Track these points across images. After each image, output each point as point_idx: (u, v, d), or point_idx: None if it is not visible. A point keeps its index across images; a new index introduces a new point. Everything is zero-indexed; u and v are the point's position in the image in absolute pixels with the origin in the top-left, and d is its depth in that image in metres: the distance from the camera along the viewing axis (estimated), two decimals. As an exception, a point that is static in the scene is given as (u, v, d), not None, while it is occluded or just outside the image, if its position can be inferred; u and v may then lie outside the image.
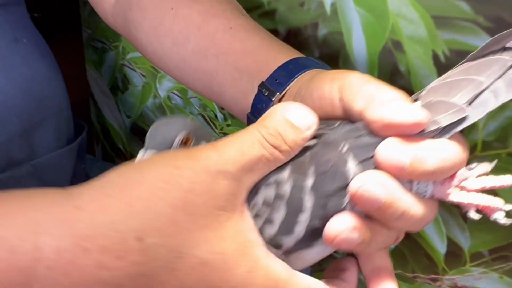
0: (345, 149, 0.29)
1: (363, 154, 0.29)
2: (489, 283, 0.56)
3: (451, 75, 0.29)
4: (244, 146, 0.28)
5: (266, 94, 0.39)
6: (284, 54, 0.41)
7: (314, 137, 0.30)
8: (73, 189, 0.26)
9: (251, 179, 0.28)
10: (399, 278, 0.63)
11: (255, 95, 0.40)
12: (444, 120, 0.28)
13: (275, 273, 0.28)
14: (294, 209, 0.29)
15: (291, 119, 0.29)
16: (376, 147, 0.29)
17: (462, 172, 0.29)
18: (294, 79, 0.39)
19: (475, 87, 0.28)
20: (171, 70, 0.47)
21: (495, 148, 0.51)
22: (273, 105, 0.39)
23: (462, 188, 0.29)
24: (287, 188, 0.29)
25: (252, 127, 0.29)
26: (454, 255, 0.58)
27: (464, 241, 0.57)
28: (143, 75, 0.78)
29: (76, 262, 0.24)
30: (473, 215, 0.29)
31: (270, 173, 0.29)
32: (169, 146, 0.31)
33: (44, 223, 0.24)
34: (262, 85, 0.40)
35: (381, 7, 0.49)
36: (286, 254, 0.29)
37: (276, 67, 0.40)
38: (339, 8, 0.52)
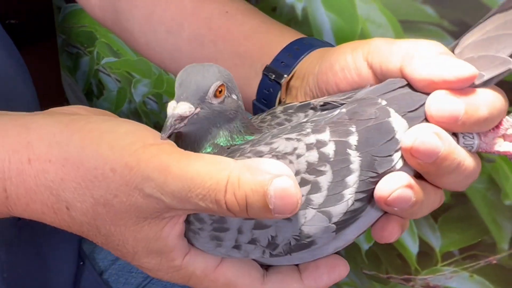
0: (384, 103, 0.29)
1: (404, 107, 0.28)
2: (460, 282, 0.57)
3: (488, 30, 0.29)
4: (196, 189, 0.26)
5: (272, 77, 0.38)
6: (286, 35, 0.40)
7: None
8: (31, 135, 0.30)
9: (192, 210, 0.28)
10: (373, 279, 0.63)
11: (260, 80, 0.39)
12: (489, 73, 0.29)
13: (190, 272, 0.30)
14: (341, 171, 0.28)
15: (271, 198, 0.26)
16: (416, 99, 0.28)
17: (507, 120, 0.29)
18: (301, 59, 0.37)
19: None
20: (165, 61, 0.45)
21: (462, 149, 0.52)
22: (280, 89, 0.37)
23: (505, 139, 0.30)
24: (330, 149, 0.28)
25: (226, 168, 0.27)
26: (426, 255, 0.59)
27: (435, 241, 0.58)
28: (118, 80, 0.78)
29: (29, 205, 0.30)
30: None
31: (306, 132, 0.28)
32: (204, 96, 0.29)
33: (5, 171, 0.29)
34: (267, 69, 0.38)
35: (351, 12, 0.50)
36: (337, 230, 0.28)
37: (280, 50, 0.38)
38: (310, 12, 0.53)
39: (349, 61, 0.31)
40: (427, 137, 0.27)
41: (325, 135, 0.28)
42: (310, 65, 0.36)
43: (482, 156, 0.52)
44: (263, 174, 0.26)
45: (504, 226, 0.53)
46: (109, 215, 0.28)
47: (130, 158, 0.27)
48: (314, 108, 0.31)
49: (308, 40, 0.39)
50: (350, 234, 0.30)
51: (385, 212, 0.30)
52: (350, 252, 0.65)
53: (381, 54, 0.30)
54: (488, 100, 0.28)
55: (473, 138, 0.30)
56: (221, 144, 0.30)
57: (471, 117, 0.28)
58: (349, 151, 0.28)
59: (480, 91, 0.29)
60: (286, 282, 0.30)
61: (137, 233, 0.29)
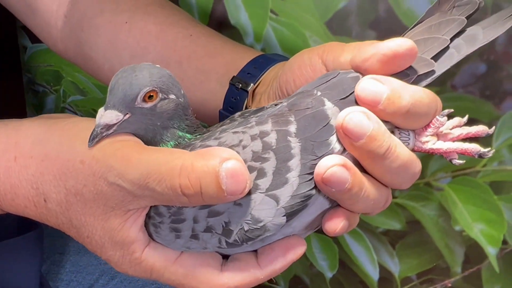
0: (318, 93, 0.31)
1: (336, 95, 0.30)
2: (419, 306, 0.59)
3: (416, 33, 0.32)
4: (153, 175, 0.29)
5: (239, 86, 0.40)
6: (250, 53, 0.43)
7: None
8: (19, 136, 0.33)
9: (151, 197, 0.30)
10: (338, 306, 0.65)
11: (227, 90, 0.41)
12: (414, 71, 0.31)
13: (150, 265, 0.32)
14: (283, 156, 0.30)
15: (222, 178, 0.28)
16: (347, 88, 0.30)
17: (437, 119, 0.31)
18: (266, 70, 0.40)
19: (440, 44, 0.31)
20: None
21: (414, 179, 0.55)
22: (247, 96, 0.40)
23: (439, 138, 0.31)
24: (272, 138, 0.30)
25: (180, 156, 0.29)
26: (386, 281, 0.62)
27: (394, 267, 0.61)
28: (84, 118, 0.79)
29: (13, 200, 0.33)
30: (457, 162, 0.31)
31: (251, 125, 0.30)
32: (132, 103, 0.30)
33: None
34: (234, 79, 0.41)
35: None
36: (287, 216, 0.29)
37: (245, 64, 0.41)
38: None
39: (305, 59, 0.34)
40: (355, 115, 0.29)
41: (267, 126, 0.30)
42: (275, 73, 0.39)
43: (431, 184, 0.55)
44: (214, 158, 0.28)
45: (456, 251, 0.56)
46: (79, 205, 0.31)
47: (97, 151, 0.30)
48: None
49: (272, 55, 0.42)
50: (301, 222, 0.31)
51: (337, 206, 0.31)
52: (314, 281, 0.67)
53: (334, 51, 0.33)
54: (415, 93, 0.30)
55: (408, 135, 0.31)
56: (171, 142, 0.31)
57: (393, 104, 0.29)
58: (289, 138, 0.30)
59: (410, 85, 0.30)
60: (244, 268, 0.31)
61: (105, 222, 0.31)
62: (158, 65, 0.31)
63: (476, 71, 0.47)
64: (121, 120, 0.30)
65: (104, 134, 0.30)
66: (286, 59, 0.40)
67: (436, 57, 0.31)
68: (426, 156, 0.54)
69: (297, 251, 0.31)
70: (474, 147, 0.31)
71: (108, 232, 0.31)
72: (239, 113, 0.34)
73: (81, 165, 0.30)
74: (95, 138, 0.30)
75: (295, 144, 0.30)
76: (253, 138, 0.30)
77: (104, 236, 0.31)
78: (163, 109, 0.31)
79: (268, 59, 0.41)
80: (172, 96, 0.31)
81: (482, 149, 0.31)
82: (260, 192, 0.30)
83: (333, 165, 0.29)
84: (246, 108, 0.41)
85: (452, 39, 0.31)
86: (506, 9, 0.32)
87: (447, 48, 0.31)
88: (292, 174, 0.30)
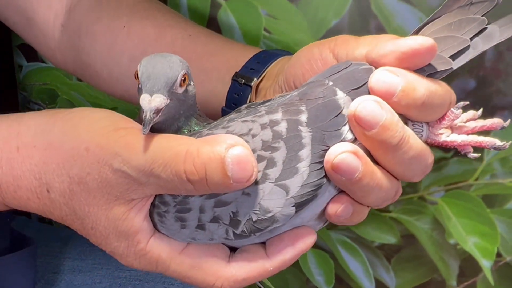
0: (330, 83, 0.30)
1: (348, 85, 0.30)
2: (415, 320, 0.59)
3: (436, 30, 0.32)
4: (158, 161, 0.28)
5: (242, 82, 0.39)
6: (250, 50, 0.42)
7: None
8: (21, 127, 0.32)
9: (156, 184, 0.29)
10: (334, 321, 0.65)
11: (230, 87, 0.40)
12: (431, 68, 0.30)
13: (156, 256, 0.31)
14: (294, 146, 0.29)
15: (228, 164, 0.28)
16: (359, 78, 0.30)
17: (451, 111, 0.31)
18: (269, 64, 0.39)
19: (460, 44, 0.31)
20: (129, 90, 0.46)
21: (408, 193, 0.56)
22: (251, 91, 0.39)
23: (453, 131, 0.31)
24: (283, 127, 0.29)
25: (186, 142, 0.28)
26: (383, 295, 0.62)
27: (390, 281, 0.61)
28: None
29: (16, 192, 0.32)
30: (472, 155, 0.31)
31: (260, 114, 0.30)
32: (172, 87, 0.29)
33: None
34: (236, 75, 0.40)
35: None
36: (297, 206, 0.29)
37: (246, 61, 0.40)
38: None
39: (315, 53, 0.33)
40: (368, 103, 0.28)
41: (278, 115, 0.30)
42: (281, 67, 0.38)
43: (425, 198, 0.56)
44: (220, 144, 0.28)
45: (450, 264, 0.56)
46: (83, 194, 0.30)
47: (102, 138, 0.30)
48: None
49: (274, 50, 0.42)
50: (311, 212, 0.30)
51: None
52: (311, 296, 0.67)
53: (348, 44, 0.32)
54: (430, 86, 0.29)
55: (422, 127, 0.31)
56: (184, 131, 0.31)
57: (408, 96, 0.29)
58: (300, 127, 0.29)
59: (424, 78, 0.30)
60: (251, 259, 0.31)
61: (108, 212, 0.30)
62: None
63: (466, 86, 0.48)
64: (167, 104, 0.29)
65: (155, 119, 0.29)
66: (290, 53, 0.40)
67: (454, 56, 0.31)
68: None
69: (306, 241, 0.30)
70: (490, 140, 0.31)
71: (113, 222, 0.31)
72: (245, 105, 0.33)
73: (86, 152, 0.30)
74: (149, 124, 0.28)
75: (306, 134, 0.29)
76: (263, 127, 0.30)
77: (108, 227, 0.31)
78: (190, 94, 0.31)
79: (271, 53, 0.41)
80: (192, 83, 0.31)
81: (498, 142, 0.31)
82: (269, 182, 0.29)
83: (343, 151, 0.28)
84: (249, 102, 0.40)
85: (471, 39, 0.31)
86: None
87: (466, 47, 0.31)
88: (302, 164, 0.29)
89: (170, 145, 0.29)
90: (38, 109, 0.84)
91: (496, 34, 0.32)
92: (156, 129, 0.30)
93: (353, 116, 0.29)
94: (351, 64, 0.31)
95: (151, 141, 0.29)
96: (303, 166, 0.29)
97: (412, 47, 0.29)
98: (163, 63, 0.30)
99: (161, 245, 0.31)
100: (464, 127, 0.31)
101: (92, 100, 0.76)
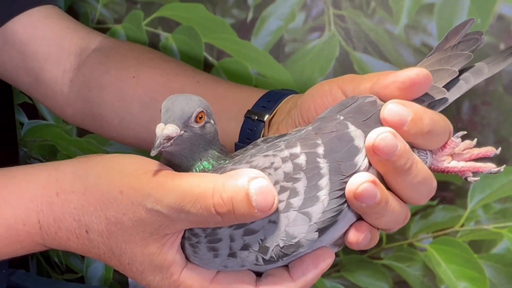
0: (341, 117, 0.34)
1: (358, 118, 0.33)
2: None
3: (427, 65, 0.35)
4: (187, 198, 0.31)
5: (255, 118, 0.43)
6: (258, 92, 0.46)
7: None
8: (59, 174, 0.36)
9: (187, 219, 0.32)
10: None
11: (243, 123, 0.44)
12: (429, 98, 0.34)
13: (188, 286, 0.33)
14: (313, 176, 0.32)
15: (252, 195, 0.31)
16: (366, 111, 0.33)
17: (452, 140, 0.34)
18: (280, 102, 0.43)
19: (450, 75, 0.35)
20: (140, 136, 0.49)
21: (398, 240, 0.57)
22: (263, 126, 0.42)
23: (454, 158, 0.34)
24: (302, 160, 0.32)
25: (212, 179, 0.31)
26: None
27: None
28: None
29: (57, 233, 0.35)
30: (472, 179, 0.34)
31: (280, 149, 0.32)
32: (188, 120, 0.32)
33: (38, 205, 0.36)
34: (249, 112, 0.44)
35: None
36: (319, 231, 0.32)
37: (256, 100, 0.44)
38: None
39: (326, 89, 0.37)
40: (385, 135, 0.32)
41: (297, 149, 0.33)
42: (293, 103, 0.41)
43: (414, 245, 0.57)
44: (243, 177, 0.31)
45: (443, 309, 0.57)
46: (120, 233, 0.33)
47: (134, 181, 0.33)
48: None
49: (282, 90, 0.45)
50: (331, 236, 0.33)
51: (359, 219, 0.33)
52: None
53: (353, 81, 0.36)
54: (433, 116, 0.33)
55: (426, 154, 0.35)
56: (205, 166, 0.34)
57: (416, 125, 0.32)
58: (318, 159, 0.32)
59: (428, 110, 0.34)
60: (278, 283, 0.33)
61: (144, 248, 0.33)
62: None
63: (446, 138, 0.51)
64: (178, 134, 0.32)
65: (165, 145, 0.32)
66: (296, 92, 0.44)
67: (447, 86, 0.35)
68: (407, 218, 0.56)
69: (326, 260, 0.33)
70: (486, 165, 0.35)
71: (148, 257, 0.33)
72: (261, 139, 0.36)
73: (120, 195, 0.33)
74: (158, 147, 0.32)
75: (323, 165, 0.32)
76: (284, 160, 0.33)
77: (144, 262, 0.33)
78: (207, 130, 0.34)
79: (280, 92, 0.45)
80: (212, 121, 0.34)
81: (494, 168, 0.35)
82: (293, 210, 0.32)
83: (364, 181, 0.32)
84: (263, 136, 0.43)
85: (461, 72, 0.35)
86: (507, 48, 0.37)
87: (456, 79, 0.35)
88: (322, 193, 0.32)
89: (197, 182, 0.32)
90: (38, 164, 0.86)
91: (485, 70, 0.36)
92: (177, 158, 0.34)
93: (372, 147, 0.32)
94: (358, 98, 0.35)
95: (179, 180, 0.32)
96: (323, 194, 0.32)
97: (410, 77, 0.33)
98: (182, 100, 0.33)
99: (193, 276, 0.33)
100: (463, 155, 0.35)
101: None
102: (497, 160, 0.51)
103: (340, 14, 0.53)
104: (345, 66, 0.53)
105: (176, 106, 0.33)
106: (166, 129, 0.32)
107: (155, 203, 0.32)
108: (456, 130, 0.36)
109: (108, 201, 0.33)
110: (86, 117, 0.53)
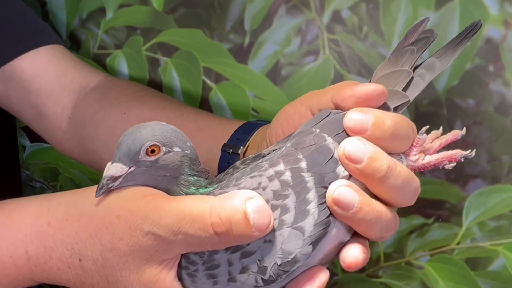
0: (317, 131, 0.34)
1: (333, 131, 0.34)
2: None
3: (380, 68, 0.37)
4: (186, 219, 0.31)
5: (230, 151, 0.44)
6: (235, 123, 0.47)
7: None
8: (51, 204, 0.35)
9: (185, 241, 0.32)
10: None
11: (220, 157, 0.45)
12: (393, 103, 0.35)
13: None
14: (301, 191, 0.32)
15: (249, 215, 0.31)
16: (340, 124, 0.34)
17: (418, 138, 0.35)
18: (253, 133, 0.44)
19: (406, 76, 0.36)
20: None
21: (395, 258, 0.58)
22: (239, 159, 0.43)
23: (425, 153, 0.35)
24: (288, 176, 0.33)
25: (209, 200, 0.32)
26: None
27: None
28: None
29: (46, 263, 0.34)
30: (449, 166, 0.35)
31: (264, 168, 0.33)
32: (136, 156, 0.32)
33: (27, 234, 0.35)
34: (224, 146, 0.45)
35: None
36: (313, 244, 0.32)
37: (232, 133, 0.45)
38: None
39: (290, 110, 0.37)
40: (352, 141, 0.33)
41: (281, 166, 0.33)
42: (262, 134, 0.42)
43: (412, 263, 0.58)
44: (240, 198, 0.31)
45: (442, 327, 0.58)
46: (115, 260, 0.33)
47: (131, 205, 0.32)
48: (265, 155, 0.36)
49: (256, 121, 0.47)
50: (321, 250, 0.33)
51: (352, 236, 0.34)
52: None
53: (316, 95, 0.37)
54: (394, 117, 0.34)
55: (401, 158, 0.35)
56: (192, 188, 0.34)
57: (379, 128, 0.33)
58: (302, 173, 0.33)
59: (386, 112, 0.34)
60: None
61: (140, 276, 0.33)
62: (163, 122, 0.34)
63: (440, 157, 0.52)
64: (126, 172, 0.33)
65: (110, 186, 0.32)
66: (269, 122, 0.45)
67: (406, 88, 0.36)
68: (404, 236, 0.57)
69: (321, 278, 0.34)
70: (458, 152, 0.36)
71: (144, 285, 0.33)
72: (239, 161, 0.37)
73: (117, 219, 0.33)
74: (101, 189, 0.32)
75: (308, 178, 0.33)
76: (270, 179, 0.33)
77: None
78: (167, 161, 0.33)
79: (253, 123, 0.46)
80: (177, 149, 0.33)
81: (464, 152, 0.36)
82: (286, 227, 0.32)
83: (339, 186, 0.32)
84: None
85: (414, 69, 0.36)
86: (454, 38, 0.37)
87: (412, 78, 0.36)
88: (311, 206, 0.33)
89: (195, 203, 0.32)
90: (40, 187, 0.87)
91: (437, 64, 0.37)
92: (157, 187, 0.34)
93: (343, 155, 0.33)
94: (330, 112, 0.35)
95: (176, 202, 0.32)
96: (313, 207, 0.33)
97: (366, 93, 0.34)
98: (131, 135, 0.33)
99: None
100: (432, 147, 0.36)
101: (91, 177, 0.79)
102: (491, 178, 0.52)
103: (334, 39, 0.54)
104: (340, 89, 0.54)
105: (124, 142, 0.33)
106: (109, 170, 0.32)
107: (152, 225, 0.32)
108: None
109: (104, 226, 0.33)
110: (81, 152, 0.54)
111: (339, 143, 0.34)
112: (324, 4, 0.54)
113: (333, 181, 0.33)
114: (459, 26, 0.49)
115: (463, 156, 0.36)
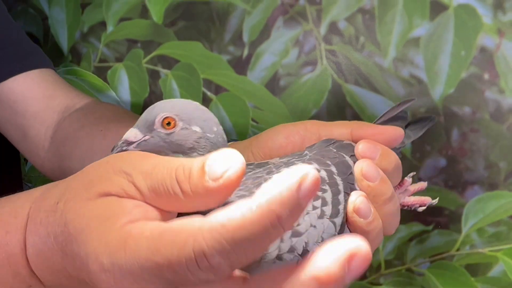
0: (335, 150, 0.36)
1: (347, 152, 0.36)
2: None
3: (389, 111, 0.39)
4: (160, 165, 0.28)
5: None
6: None
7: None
8: (32, 201, 0.34)
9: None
10: None
11: None
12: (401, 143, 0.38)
13: None
14: (335, 190, 0.33)
15: (206, 166, 0.27)
16: (348, 148, 0.36)
17: (406, 180, 0.39)
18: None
19: (402, 122, 0.39)
20: None
21: (396, 265, 0.58)
22: None
23: (408, 194, 0.40)
24: (324, 174, 0.33)
25: (180, 159, 0.28)
26: None
27: None
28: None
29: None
30: (421, 208, 0.39)
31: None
32: (151, 126, 0.32)
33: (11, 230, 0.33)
34: None
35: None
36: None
37: None
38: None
39: (293, 130, 0.38)
40: (368, 162, 0.35)
41: (315, 165, 0.34)
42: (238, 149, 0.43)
43: (412, 270, 0.58)
44: (201, 159, 0.29)
45: (443, 333, 0.58)
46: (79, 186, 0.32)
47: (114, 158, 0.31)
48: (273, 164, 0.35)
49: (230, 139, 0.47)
50: None
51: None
52: None
53: (327, 126, 0.38)
54: (395, 154, 0.37)
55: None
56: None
57: (385, 159, 0.36)
58: (335, 176, 0.34)
59: (389, 148, 0.37)
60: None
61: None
62: (196, 102, 0.33)
63: (437, 164, 0.53)
64: (140, 139, 0.32)
65: (124, 148, 0.32)
66: (236, 140, 0.45)
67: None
68: (404, 243, 0.58)
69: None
70: (427, 198, 0.40)
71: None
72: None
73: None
74: (116, 149, 0.32)
75: (340, 182, 0.34)
76: None
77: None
78: (181, 138, 0.31)
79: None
80: (196, 128, 0.32)
81: (431, 200, 0.39)
82: (326, 218, 0.33)
83: (360, 195, 0.34)
84: None
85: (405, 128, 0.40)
86: (425, 118, 0.42)
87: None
88: (341, 207, 0.33)
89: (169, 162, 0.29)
90: (42, 199, 0.88)
91: (411, 134, 0.41)
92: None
93: (361, 172, 0.35)
94: (336, 140, 0.37)
95: (156, 159, 0.29)
96: (342, 209, 0.33)
97: (394, 133, 0.38)
98: (154, 105, 0.32)
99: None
100: (409, 191, 0.40)
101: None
102: (488, 184, 0.52)
103: (331, 49, 0.55)
104: (337, 98, 0.55)
105: (146, 111, 0.33)
106: (127, 133, 0.32)
107: (130, 169, 0.29)
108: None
109: (88, 168, 0.32)
110: (60, 171, 0.54)
111: (354, 162, 0.35)
112: (321, 15, 0.55)
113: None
114: (453, 36, 0.50)
115: (430, 203, 0.39)
